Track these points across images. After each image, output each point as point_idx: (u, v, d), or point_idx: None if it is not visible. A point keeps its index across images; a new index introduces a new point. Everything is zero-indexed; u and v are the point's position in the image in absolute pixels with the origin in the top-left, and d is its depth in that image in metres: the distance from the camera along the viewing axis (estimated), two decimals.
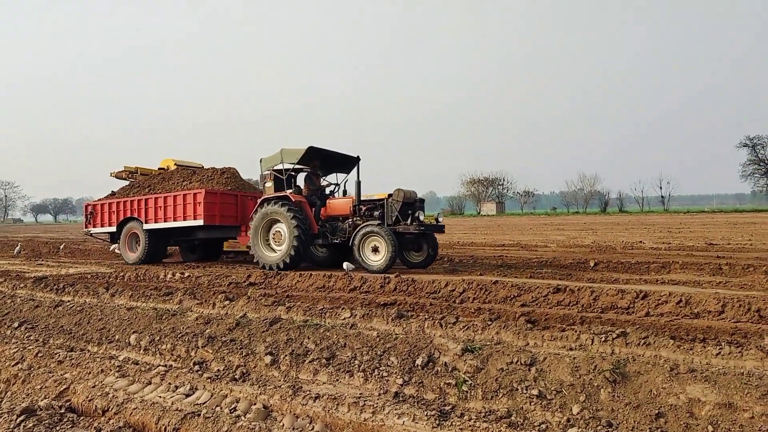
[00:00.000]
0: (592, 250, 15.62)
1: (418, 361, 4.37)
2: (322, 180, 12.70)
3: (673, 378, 3.57)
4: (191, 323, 5.74)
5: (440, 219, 11.56)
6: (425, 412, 3.74)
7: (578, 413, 3.56)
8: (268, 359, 4.84)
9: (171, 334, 5.61)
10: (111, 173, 16.76)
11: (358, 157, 11.75)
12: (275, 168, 12.02)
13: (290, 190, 11.87)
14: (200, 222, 12.39)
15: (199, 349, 5.30)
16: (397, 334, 4.90)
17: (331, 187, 12.81)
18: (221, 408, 4.33)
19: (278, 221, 11.19)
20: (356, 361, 4.56)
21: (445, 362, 4.32)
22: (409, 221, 10.63)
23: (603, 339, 4.51)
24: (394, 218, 10.66)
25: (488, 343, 4.62)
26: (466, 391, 4.01)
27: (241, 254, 15.97)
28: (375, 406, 3.91)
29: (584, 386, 3.74)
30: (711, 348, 4.18)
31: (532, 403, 3.74)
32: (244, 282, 9.43)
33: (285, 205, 11.04)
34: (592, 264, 11.45)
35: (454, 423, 3.63)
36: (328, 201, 11.85)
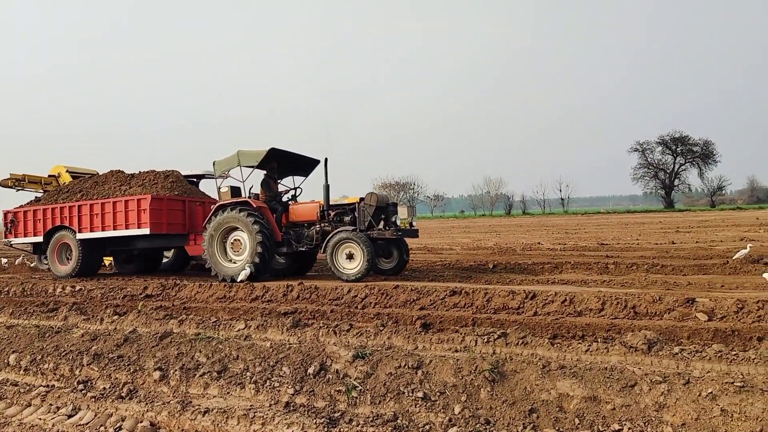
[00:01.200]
0: (494, 252, 16.21)
1: (310, 370, 4.41)
2: (278, 184, 11.83)
3: (546, 375, 3.81)
4: (76, 340, 5.49)
5: (414, 223, 10.98)
6: (314, 420, 3.79)
7: (459, 413, 3.72)
8: (156, 375, 4.73)
9: (54, 353, 5.35)
10: None
11: (326, 159, 10.80)
12: (230, 172, 11.16)
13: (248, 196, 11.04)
14: (146, 230, 11.27)
15: (84, 367, 5.10)
16: (291, 344, 4.92)
17: (290, 192, 11.90)
18: (105, 428, 4.20)
19: (237, 229, 10.44)
20: (248, 373, 4.54)
21: (337, 369, 4.38)
22: (381, 226, 10.21)
23: (485, 340, 4.73)
24: (367, 223, 10.15)
25: (379, 348, 4.73)
26: (356, 397, 4.09)
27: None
28: (265, 417, 3.92)
29: (466, 386, 3.92)
30: (581, 345, 4.48)
31: (417, 405, 3.87)
32: (140, 294, 9.10)
33: (246, 212, 10.29)
34: (491, 266, 11.89)
35: (342, 429, 3.70)
36: (291, 206, 11.19)
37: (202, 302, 8.46)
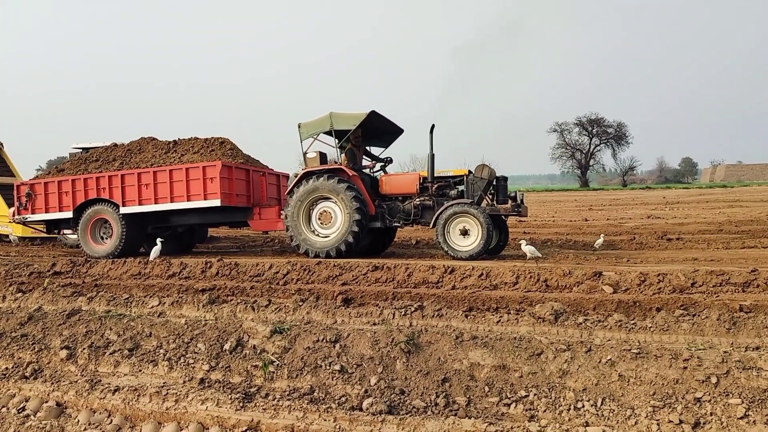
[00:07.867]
0: (417, 229, 16.44)
1: (227, 346, 4.36)
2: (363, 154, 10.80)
3: (458, 345, 3.93)
4: None
5: (523, 199, 9.65)
6: (230, 396, 3.76)
7: (375, 384, 3.79)
8: (63, 354, 4.54)
9: None
10: None
11: (432, 126, 9.87)
12: (319, 136, 10.21)
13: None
14: (216, 202, 9.94)
15: None
16: (207, 320, 4.83)
17: (371, 163, 10.90)
18: (8, 409, 4.04)
19: (326, 199, 9.55)
20: (161, 350, 4.44)
21: (254, 345, 4.35)
22: (492, 201, 9.58)
23: (403, 313, 4.82)
24: (477, 198, 9.37)
25: (298, 323, 4.73)
26: (273, 372, 4.09)
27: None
28: (178, 394, 3.85)
29: (382, 358, 3.98)
30: (493, 316, 4.65)
31: (335, 378, 3.91)
32: (48, 271, 8.66)
33: (341, 181, 9.32)
34: (414, 242, 12.08)
35: (258, 404, 3.69)
36: (383, 177, 10.16)
37: (115, 279, 8.15)
